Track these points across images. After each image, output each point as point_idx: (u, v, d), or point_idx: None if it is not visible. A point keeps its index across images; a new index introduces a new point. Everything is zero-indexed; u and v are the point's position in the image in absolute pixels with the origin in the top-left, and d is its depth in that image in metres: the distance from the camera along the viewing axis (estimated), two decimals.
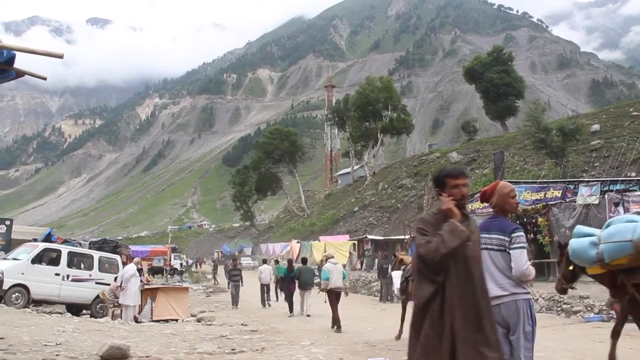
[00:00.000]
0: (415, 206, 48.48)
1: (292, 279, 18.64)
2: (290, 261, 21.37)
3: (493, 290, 4.55)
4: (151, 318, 15.88)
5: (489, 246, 4.67)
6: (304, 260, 19.94)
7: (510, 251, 4.58)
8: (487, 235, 4.71)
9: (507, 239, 4.60)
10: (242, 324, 14.65)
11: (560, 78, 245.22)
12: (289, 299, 18.66)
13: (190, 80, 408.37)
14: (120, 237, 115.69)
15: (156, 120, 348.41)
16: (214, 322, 15.12)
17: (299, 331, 13.55)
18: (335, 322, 13.62)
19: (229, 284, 23.10)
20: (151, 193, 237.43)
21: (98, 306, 17.40)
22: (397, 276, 13.43)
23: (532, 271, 4.64)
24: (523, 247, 4.63)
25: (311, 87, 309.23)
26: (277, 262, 24.26)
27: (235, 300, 21.75)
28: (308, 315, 17.26)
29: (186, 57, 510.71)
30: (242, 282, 22.47)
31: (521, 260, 4.55)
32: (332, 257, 15.73)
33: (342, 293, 14.44)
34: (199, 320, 15.70)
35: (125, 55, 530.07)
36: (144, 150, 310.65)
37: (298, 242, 49.32)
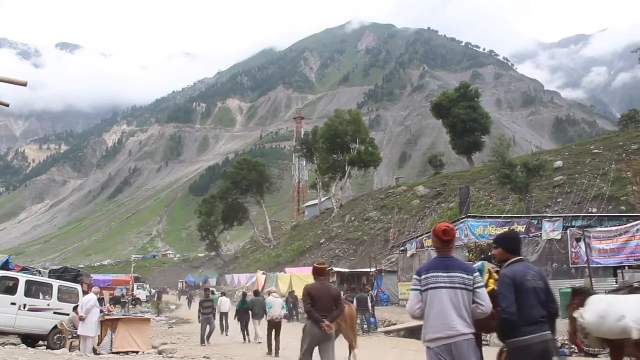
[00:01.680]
0: (381, 239, 48.58)
1: (247, 310, 19.76)
2: (244, 294, 23.44)
3: (446, 331, 4.56)
4: (111, 350, 15.42)
5: (448, 285, 4.67)
6: (256, 293, 21.59)
7: (478, 290, 4.67)
8: (445, 274, 4.71)
9: (470, 277, 4.67)
10: (204, 357, 14.36)
11: (525, 115, 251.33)
12: (244, 328, 19.79)
13: (159, 109, 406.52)
14: (82, 266, 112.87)
15: (123, 148, 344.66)
16: (176, 355, 14.77)
17: None
18: (269, 347, 14.89)
19: (199, 317, 19.89)
20: (116, 221, 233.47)
21: (55, 337, 16.83)
22: None
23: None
24: (484, 286, 4.77)
25: (280, 119, 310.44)
26: (220, 293, 25.11)
27: (204, 337, 18.88)
28: (259, 342, 17.97)
29: (155, 85, 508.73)
30: (214, 315, 20.07)
31: (487, 297, 4.66)
32: (275, 292, 18.24)
33: (281, 321, 15.82)
34: (160, 353, 15.32)
35: (94, 81, 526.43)
36: (110, 178, 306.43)
37: (264, 273, 48.73)
